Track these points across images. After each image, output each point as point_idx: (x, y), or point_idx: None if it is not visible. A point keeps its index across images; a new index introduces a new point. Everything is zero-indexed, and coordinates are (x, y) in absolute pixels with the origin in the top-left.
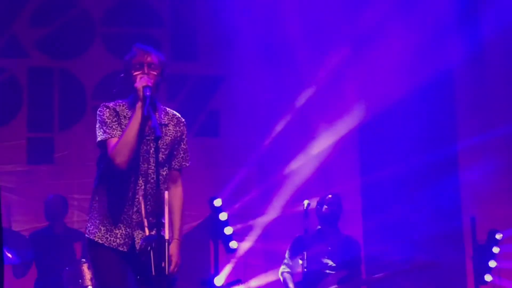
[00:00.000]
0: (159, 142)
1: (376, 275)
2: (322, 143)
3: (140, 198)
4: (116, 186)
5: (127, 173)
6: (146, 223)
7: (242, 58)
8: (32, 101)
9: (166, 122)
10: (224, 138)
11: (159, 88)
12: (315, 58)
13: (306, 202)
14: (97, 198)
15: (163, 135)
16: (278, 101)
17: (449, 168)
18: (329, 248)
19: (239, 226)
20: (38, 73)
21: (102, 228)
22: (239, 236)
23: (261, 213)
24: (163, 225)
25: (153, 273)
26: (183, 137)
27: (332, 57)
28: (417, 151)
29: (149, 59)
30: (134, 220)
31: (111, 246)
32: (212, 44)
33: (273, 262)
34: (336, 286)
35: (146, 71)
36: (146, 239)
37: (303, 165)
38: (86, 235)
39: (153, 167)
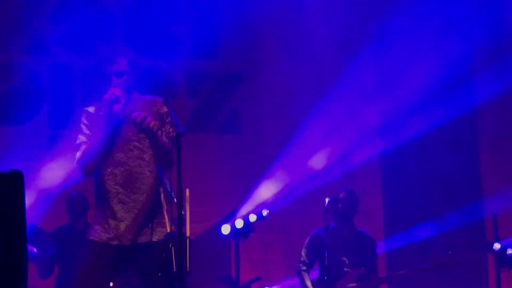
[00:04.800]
0: (129, 130)
1: (396, 272)
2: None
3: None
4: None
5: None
6: (167, 219)
7: (263, 56)
8: (53, 98)
9: (141, 108)
10: (245, 135)
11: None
12: (337, 55)
13: (327, 199)
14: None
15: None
16: (299, 98)
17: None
18: (345, 245)
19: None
20: (59, 70)
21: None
22: (260, 233)
23: (282, 210)
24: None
25: (174, 270)
26: (163, 115)
27: (354, 55)
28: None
29: (115, 67)
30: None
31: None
32: (233, 42)
33: (293, 259)
34: (355, 284)
35: (115, 80)
36: (168, 235)
37: (325, 161)
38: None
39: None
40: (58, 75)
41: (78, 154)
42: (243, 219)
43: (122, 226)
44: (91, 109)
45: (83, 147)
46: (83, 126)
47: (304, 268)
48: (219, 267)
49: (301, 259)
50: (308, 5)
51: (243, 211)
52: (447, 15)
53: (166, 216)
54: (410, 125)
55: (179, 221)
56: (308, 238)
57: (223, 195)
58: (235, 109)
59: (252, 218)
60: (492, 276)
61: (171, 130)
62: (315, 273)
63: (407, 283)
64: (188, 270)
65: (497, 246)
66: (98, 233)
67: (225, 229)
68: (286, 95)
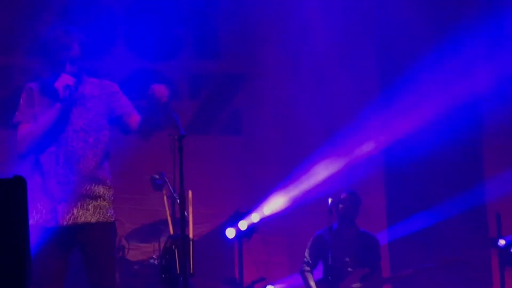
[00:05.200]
0: (76, 109)
1: (401, 272)
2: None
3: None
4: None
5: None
6: (170, 220)
7: (264, 56)
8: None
9: (91, 92)
10: (247, 136)
11: (80, 59)
12: (337, 57)
13: (330, 200)
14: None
15: (91, 106)
16: (300, 98)
17: (474, 164)
18: (348, 245)
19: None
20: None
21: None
22: (263, 233)
23: (284, 211)
24: (187, 223)
25: (178, 272)
26: (118, 96)
27: (356, 56)
28: (441, 145)
29: (71, 53)
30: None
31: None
32: (234, 42)
33: (296, 260)
34: (358, 284)
35: (68, 69)
36: (171, 237)
37: (327, 161)
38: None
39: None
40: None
41: (19, 135)
42: (246, 221)
43: (59, 207)
44: (34, 86)
45: (23, 128)
46: (22, 103)
47: (308, 268)
48: (223, 268)
49: (305, 259)
50: (309, 4)
51: (246, 212)
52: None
53: (169, 219)
54: (412, 118)
55: (182, 223)
56: (311, 239)
57: (225, 196)
58: (237, 110)
59: (255, 218)
60: (496, 275)
61: (128, 104)
62: (318, 274)
63: (411, 283)
64: (191, 272)
65: (502, 242)
66: (34, 217)
67: (230, 232)
68: (288, 95)
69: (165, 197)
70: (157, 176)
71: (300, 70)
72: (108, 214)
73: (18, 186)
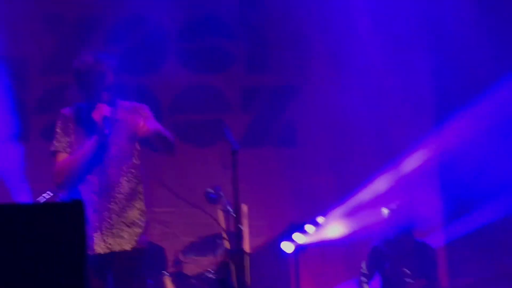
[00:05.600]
0: (110, 138)
1: (460, 283)
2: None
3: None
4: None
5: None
6: (225, 234)
7: (316, 67)
8: None
9: (123, 116)
10: (301, 148)
11: (114, 85)
12: (391, 67)
13: (385, 210)
14: None
15: (124, 131)
16: (354, 109)
17: None
18: (405, 256)
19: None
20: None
21: None
22: (319, 246)
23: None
24: (242, 237)
25: (235, 286)
26: (146, 116)
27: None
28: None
29: (106, 82)
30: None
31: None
32: (285, 55)
33: (353, 272)
34: None
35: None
36: (227, 251)
37: (382, 172)
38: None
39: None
40: None
41: (57, 166)
42: (302, 233)
43: (96, 235)
44: (68, 113)
45: (61, 158)
46: (58, 131)
47: (365, 280)
48: (279, 281)
49: (362, 271)
50: (359, 14)
51: (301, 224)
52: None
53: (224, 233)
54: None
55: (237, 237)
56: (368, 250)
57: (280, 209)
58: (291, 121)
59: (310, 229)
60: None
61: (154, 123)
62: (376, 285)
63: None
64: (248, 285)
65: None
66: None
67: (287, 246)
68: (342, 106)
69: (220, 211)
70: (212, 190)
71: (354, 80)
72: (142, 241)
73: (76, 209)
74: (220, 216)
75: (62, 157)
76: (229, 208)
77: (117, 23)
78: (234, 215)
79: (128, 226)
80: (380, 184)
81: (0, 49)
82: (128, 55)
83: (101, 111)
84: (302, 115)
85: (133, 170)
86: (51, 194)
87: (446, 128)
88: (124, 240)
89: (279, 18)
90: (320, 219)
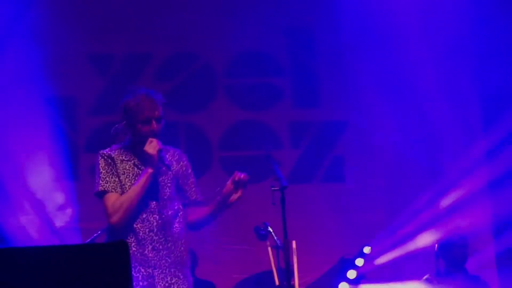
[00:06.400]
0: (162, 178)
1: None
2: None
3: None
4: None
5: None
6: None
7: (364, 102)
8: None
9: (170, 160)
10: (350, 183)
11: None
12: (439, 95)
13: (437, 245)
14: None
15: (173, 174)
16: (402, 143)
17: None
18: None
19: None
20: (164, 128)
21: None
22: (367, 277)
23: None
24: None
25: None
26: (189, 171)
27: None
28: None
29: (157, 113)
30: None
31: None
32: (334, 89)
33: None
34: None
35: (154, 127)
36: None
37: (431, 204)
38: None
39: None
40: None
41: (111, 206)
42: (355, 269)
43: (156, 273)
44: (111, 154)
45: (113, 199)
46: (103, 171)
47: None
48: None
49: None
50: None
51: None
52: None
53: (274, 269)
54: None
55: (287, 274)
56: (419, 283)
57: (331, 244)
58: (340, 157)
59: (359, 262)
60: None
61: (195, 190)
62: None
63: None
64: None
65: None
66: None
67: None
68: (391, 140)
69: (269, 248)
70: (261, 227)
71: (402, 114)
72: (191, 280)
73: (121, 250)
74: (270, 252)
75: (113, 196)
76: (278, 244)
77: (165, 61)
78: (284, 252)
79: (183, 266)
80: (429, 218)
81: (49, 89)
82: (177, 92)
83: (154, 145)
84: (350, 150)
85: (181, 213)
86: (100, 233)
87: (495, 159)
88: (180, 280)
89: (327, 53)
90: (366, 249)
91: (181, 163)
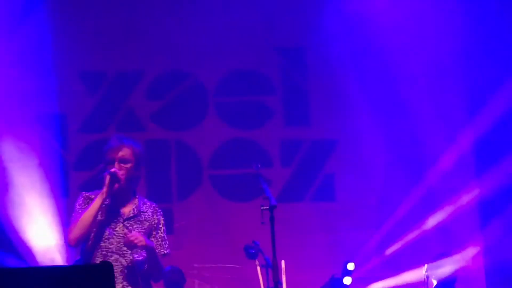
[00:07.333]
0: (137, 226)
1: None
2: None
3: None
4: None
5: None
6: None
7: (355, 121)
8: (150, 173)
9: (145, 210)
10: (340, 202)
11: (138, 180)
12: (428, 113)
13: (425, 267)
14: None
15: (143, 220)
16: (392, 163)
17: None
18: None
19: None
20: (154, 146)
21: None
22: None
23: (381, 277)
24: None
25: None
26: (160, 225)
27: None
28: None
29: (120, 154)
30: None
31: None
32: (324, 108)
33: None
34: None
35: (117, 167)
36: None
37: (421, 227)
38: None
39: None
40: (154, 150)
41: (70, 227)
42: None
43: None
44: (91, 195)
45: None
46: (78, 207)
47: None
48: None
49: None
50: (399, 70)
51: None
52: None
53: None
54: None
55: None
56: None
57: (320, 263)
58: (330, 175)
59: (347, 281)
60: None
61: (160, 244)
62: None
63: None
64: None
65: None
66: None
67: None
68: (380, 160)
69: (258, 267)
70: (251, 245)
71: (393, 134)
72: None
73: (104, 271)
74: (259, 271)
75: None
76: (268, 263)
77: (156, 79)
78: (272, 271)
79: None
80: (420, 240)
81: (41, 107)
82: (168, 110)
83: (111, 170)
84: (340, 168)
85: (145, 254)
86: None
87: (486, 180)
88: None
89: (317, 72)
90: (350, 266)
91: (155, 216)
